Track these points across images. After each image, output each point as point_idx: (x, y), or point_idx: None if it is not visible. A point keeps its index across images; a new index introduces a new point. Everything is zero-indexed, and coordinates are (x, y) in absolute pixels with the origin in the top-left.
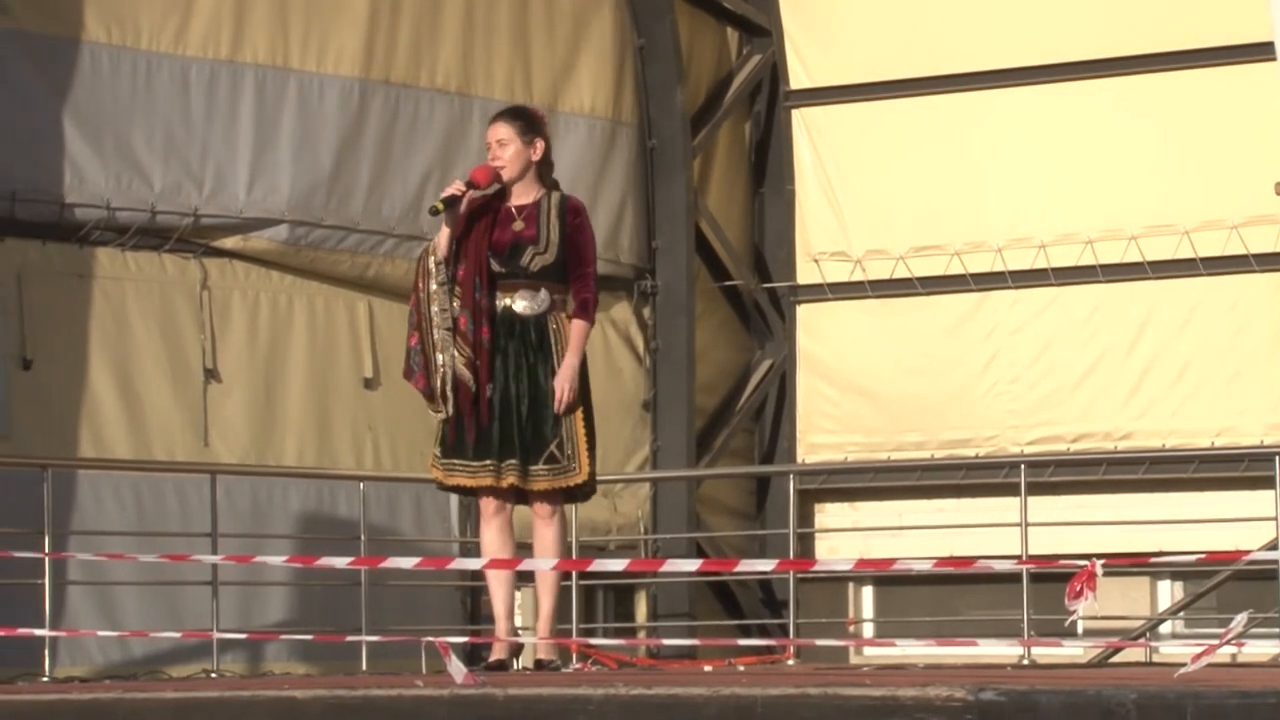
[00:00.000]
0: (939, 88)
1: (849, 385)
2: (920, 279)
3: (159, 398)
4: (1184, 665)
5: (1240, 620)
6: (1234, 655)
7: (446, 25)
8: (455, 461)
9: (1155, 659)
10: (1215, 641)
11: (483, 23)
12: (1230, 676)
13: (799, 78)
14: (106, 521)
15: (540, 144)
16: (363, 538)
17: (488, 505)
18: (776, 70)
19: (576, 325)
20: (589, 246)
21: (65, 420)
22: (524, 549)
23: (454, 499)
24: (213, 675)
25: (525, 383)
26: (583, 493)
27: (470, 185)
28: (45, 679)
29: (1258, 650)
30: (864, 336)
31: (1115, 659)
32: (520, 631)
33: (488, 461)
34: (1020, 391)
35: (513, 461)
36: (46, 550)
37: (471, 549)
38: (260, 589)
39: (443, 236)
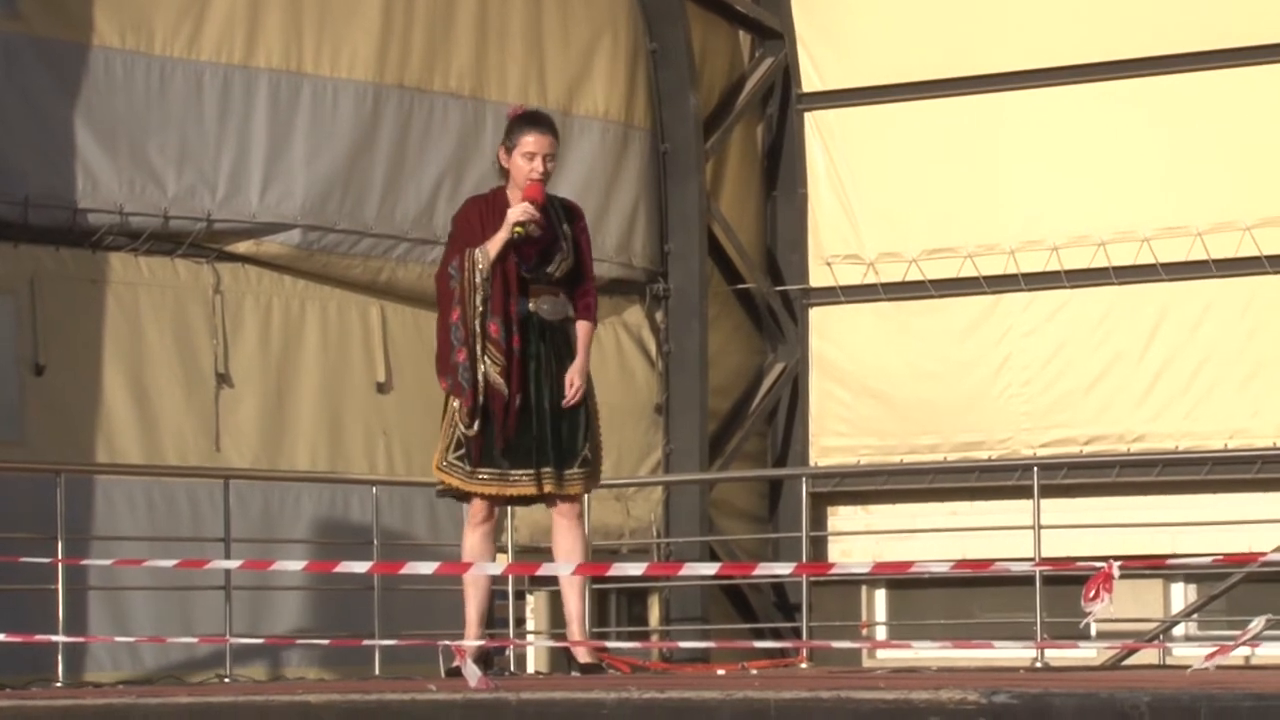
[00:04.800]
0: (951, 90)
1: (862, 388)
2: (933, 281)
3: (171, 402)
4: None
5: (1258, 623)
6: (1248, 657)
7: (460, 29)
8: (483, 470)
9: (1169, 661)
10: (1228, 643)
11: (496, 26)
12: (1244, 679)
13: (811, 81)
14: (119, 526)
15: None
16: (375, 542)
17: (478, 511)
18: (789, 73)
19: (584, 326)
20: (590, 251)
21: (78, 425)
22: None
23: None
24: (226, 680)
25: (557, 388)
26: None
27: (536, 205)
28: (59, 685)
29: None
30: (877, 339)
31: (1129, 661)
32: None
33: (528, 470)
34: (1033, 394)
35: (549, 469)
36: (59, 555)
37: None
38: (272, 594)
39: (494, 248)
